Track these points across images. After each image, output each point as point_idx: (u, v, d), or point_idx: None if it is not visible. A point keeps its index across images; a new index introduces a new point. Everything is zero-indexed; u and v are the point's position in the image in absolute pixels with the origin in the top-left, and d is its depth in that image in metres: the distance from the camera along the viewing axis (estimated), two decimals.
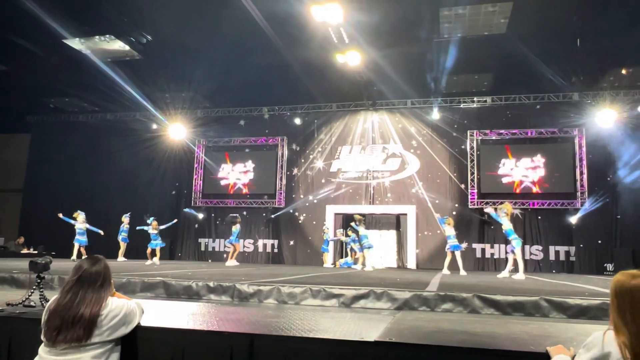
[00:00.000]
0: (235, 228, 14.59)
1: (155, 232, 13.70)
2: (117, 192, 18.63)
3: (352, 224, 14.03)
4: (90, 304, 2.66)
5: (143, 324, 2.94)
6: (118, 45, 13.72)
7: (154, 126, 18.45)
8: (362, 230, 13.48)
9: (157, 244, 13.60)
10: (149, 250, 13.69)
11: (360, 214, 14.47)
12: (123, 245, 14.34)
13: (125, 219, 14.50)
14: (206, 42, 13.27)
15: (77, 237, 13.59)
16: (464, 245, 16.05)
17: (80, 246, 13.51)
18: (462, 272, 11.67)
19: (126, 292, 5.32)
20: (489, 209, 11.84)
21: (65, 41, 13.47)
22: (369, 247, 13.71)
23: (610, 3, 11.16)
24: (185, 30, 12.84)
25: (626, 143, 14.96)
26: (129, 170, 18.66)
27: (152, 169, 18.56)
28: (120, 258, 14.08)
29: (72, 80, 15.83)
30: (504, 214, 10.60)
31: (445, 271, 11.74)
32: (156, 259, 13.21)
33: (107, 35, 13.28)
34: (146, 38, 13.63)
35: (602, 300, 4.85)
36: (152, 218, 13.82)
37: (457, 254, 11.99)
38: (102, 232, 14.10)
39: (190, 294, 5.79)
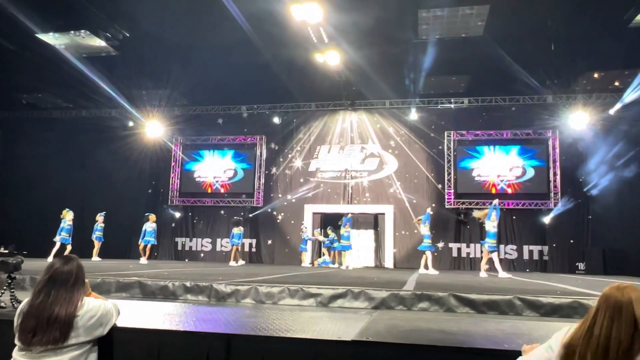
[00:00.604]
0: (239, 230, 15.10)
1: (152, 228, 14.25)
2: (92, 190, 18.28)
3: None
4: (64, 304, 2.60)
5: (119, 324, 2.90)
6: (94, 41, 13.44)
7: (131, 124, 18.16)
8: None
9: (150, 240, 14.22)
10: (141, 247, 14.15)
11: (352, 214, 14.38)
12: (97, 244, 14.10)
13: (100, 217, 14.27)
14: (184, 40, 13.14)
15: (63, 235, 13.03)
16: (441, 244, 16.31)
17: (66, 244, 13.00)
18: (433, 272, 11.65)
19: (101, 292, 5.23)
20: (496, 201, 11.42)
21: (38, 36, 13.14)
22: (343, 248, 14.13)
23: (583, 9, 11.42)
24: (163, 27, 12.68)
25: (598, 145, 15.34)
26: (105, 168, 18.32)
27: (128, 167, 18.26)
28: (95, 257, 13.83)
29: (46, 76, 15.50)
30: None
31: (422, 270, 11.83)
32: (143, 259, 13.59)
33: (83, 31, 13.00)
34: (123, 34, 13.41)
35: (574, 299, 4.96)
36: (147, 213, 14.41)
37: (428, 253, 12.10)
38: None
39: (166, 294, 5.73)
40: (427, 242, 12.09)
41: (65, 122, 19.06)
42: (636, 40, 12.07)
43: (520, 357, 2.32)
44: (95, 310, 2.70)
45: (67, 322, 2.57)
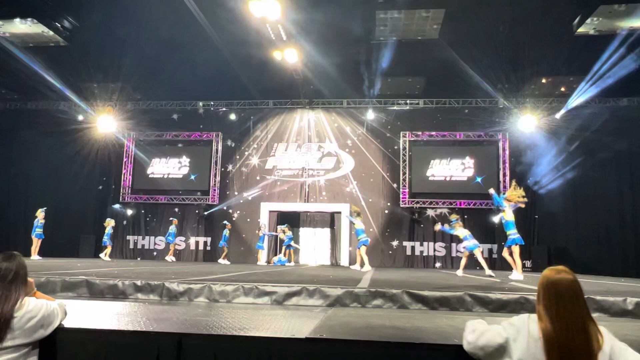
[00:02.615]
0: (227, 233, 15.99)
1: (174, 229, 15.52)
2: (38, 186, 17.53)
3: (347, 215, 13.75)
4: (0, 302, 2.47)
5: (65, 325, 2.78)
6: (41, 29, 12.87)
7: (80, 117, 17.44)
8: (358, 223, 12.18)
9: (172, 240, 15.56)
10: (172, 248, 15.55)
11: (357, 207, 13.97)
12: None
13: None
14: (138, 32, 12.74)
15: (38, 231, 13.49)
16: (395, 243, 16.57)
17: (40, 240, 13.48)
18: (488, 272, 10.23)
19: (45, 292, 4.98)
20: (492, 190, 10.17)
21: None
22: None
23: (532, 17, 11.87)
24: (115, 18, 12.26)
25: (544, 148, 16.00)
26: (51, 163, 17.55)
27: (77, 162, 17.53)
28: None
29: None
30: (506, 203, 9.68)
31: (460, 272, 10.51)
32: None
33: (29, 19, 12.42)
34: (72, 24, 12.89)
35: (521, 294, 5.14)
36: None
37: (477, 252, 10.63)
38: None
39: (115, 293, 5.54)
40: (470, 242, 10.74)
41: (8, 113, 18.08)
42: (581, 48, 12.66)
43: (468, 334, 2.38)
44: (36, 311, 2.57)
45: (3, 323, 2.43)
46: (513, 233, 9.36)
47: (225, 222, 16.67)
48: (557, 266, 2.23)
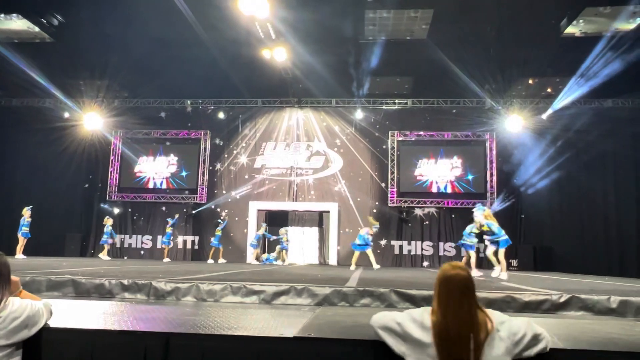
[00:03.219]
0: (219, 232, 15.83)
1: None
2: (23, 183, 17.32)
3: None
4: None
5: (51, 325, 2.75)
6: (26, 25, 12.66)
7: (66, 115, 17.20)
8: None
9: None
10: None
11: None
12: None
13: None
14: (125, 29, 12.57)
15: (24, 230, 13.41)
16: (383, 242, 16.61)
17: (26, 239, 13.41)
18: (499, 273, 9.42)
19: (30, 291, 4.93)
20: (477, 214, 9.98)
21: None
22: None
23: (519, 18, 11.97)
24: (102, 14, 12.12)
25: (531, 148, 16.16)
26: (37, 161, 17.36)
27: (64, 160, 17.33)
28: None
29: None
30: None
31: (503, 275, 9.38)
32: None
33: (14, 14, 12.21)
34: (59, 20, 12.71)
35: (507, 293, 5.20)
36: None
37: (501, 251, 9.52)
38: None
39: (102, 293, 5.50)
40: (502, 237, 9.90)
41: None
42: (567, 49, 12.79)
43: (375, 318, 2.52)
44: (21, 311, 2.54)
45: None
46: (504, 235, 9.47)
47: (219, 219, 16.56)
48: (454, 262, 2.37)
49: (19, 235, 13.38)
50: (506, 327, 2.23)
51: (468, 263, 11.01)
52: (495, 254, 9.53)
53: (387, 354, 2.39)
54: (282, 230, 16.33)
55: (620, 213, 14.77)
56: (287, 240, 16.14)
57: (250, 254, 16.14)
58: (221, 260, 15.55)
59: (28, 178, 17.37)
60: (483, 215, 9.83)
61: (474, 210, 10.45)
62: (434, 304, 2.30)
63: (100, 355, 2.70)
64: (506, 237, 9.45)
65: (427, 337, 2.21)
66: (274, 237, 16.42)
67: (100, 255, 15.22)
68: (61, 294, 5.49)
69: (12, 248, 13.14)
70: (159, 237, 17.56)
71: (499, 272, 9.31)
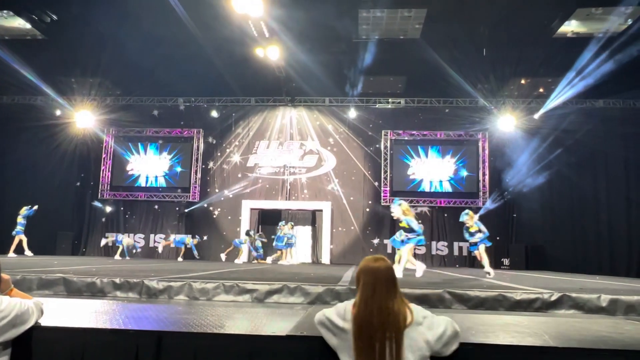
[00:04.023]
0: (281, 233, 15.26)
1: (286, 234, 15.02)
2: (14, 181, 17.18)
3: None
4: None
5: (42, 323, 2.73)
6: (18, 22, 12.57)
7: (57, 112, 17.08)
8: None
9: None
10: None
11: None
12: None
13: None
14: (117, 27, 12.51)
15: (18, 228, 13.59)
16: (376, 241, 16.65)
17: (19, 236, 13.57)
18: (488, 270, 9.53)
19: (21, 290, 4.90)
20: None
21: None
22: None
23: (512, 18, 12.02)
24: (94, 11, 12.02)
25: (523, 148, 16.25)
26: (28, 159, 17.21)
27: (55, 158, 17.21)
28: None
29: None
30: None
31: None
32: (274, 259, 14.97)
33: (5, 11, 12.12)
34: (51, 17, 12.60)
35: (499, 292, 5.23)
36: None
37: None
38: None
39: (93, 292, 5.47)
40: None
41: None
42: (559, 49, 12.89)
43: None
44: (9, 310, 2.51)
45: None
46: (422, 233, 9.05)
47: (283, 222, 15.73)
48: (375, 255, 2.47)
49: (13, 233, 13.48)
50: (428, 322, 2.30)
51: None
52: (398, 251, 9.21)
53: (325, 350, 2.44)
54: (287, 224, 15.67)
55: (610, 212, 14.93)
56: (288, 236, 15.59)
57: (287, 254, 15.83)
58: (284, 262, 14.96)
59: (19, 176, 17.22)
60: (402, 211, 9.16)
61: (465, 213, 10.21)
62: (356, 294, 2.35)
63: (91, 354, 2.68)
64: (422, 237, 9.01)
65: (348, 327, 2.28)
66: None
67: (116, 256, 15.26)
68: (52, 292, 5.46)
69: (3, 247, 13.08)
70: (152, 235, 17.49)
71: (401, 270, 9.05)
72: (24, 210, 13.72)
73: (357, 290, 2.36)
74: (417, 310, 2.32)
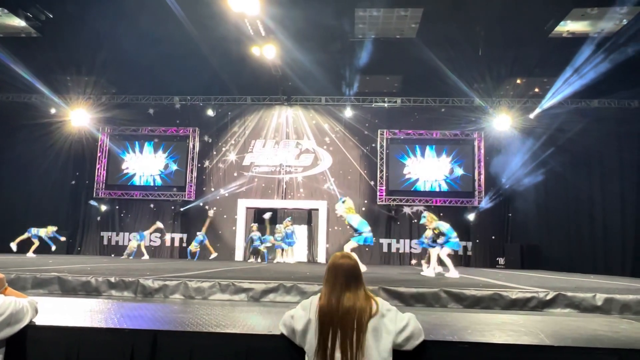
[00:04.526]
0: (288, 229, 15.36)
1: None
2: (7, 179, 17.09)
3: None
4: None
5: (36, 322, 2.72)
6: (12, 20, 12.49)
7: (52, 111, 17.00)
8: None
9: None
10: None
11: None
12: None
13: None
14: (113, 25, 12.45)
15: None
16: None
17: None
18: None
19: (15, 289, 4.87)
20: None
21: None
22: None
23: (508, 18, 12.04)
24: (89, 10, 11.97)
25: (518, 147, 16.31)
26: (22, 158, 17.12)
27: (50, 157, 17.13)
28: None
29: None
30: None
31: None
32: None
33: (0, 9, 12.03)
34: (45, 15, 12.53)
35: (494, 291, 5.24)
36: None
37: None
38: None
39: (88, 290, 5.45)
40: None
41: None
42: (554, 50, 12.92)
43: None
44: (4, 309, 2.50)
45: None
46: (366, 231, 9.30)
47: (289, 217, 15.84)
48: (342, 252, 2.60)
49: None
50: (392, 315, 2.39)
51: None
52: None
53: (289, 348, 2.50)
54: (286, 221, 15.67)
55: (605, 212, 14.99)
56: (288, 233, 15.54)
57: (295, 252, 15.82)
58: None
59: (14, 175, 17.13)
60: (346, 209, 9.25)
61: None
62: (322, 288, 2.47)
63: (86, 353, 2.67)
64: (368, 235, 9.14)
65: (312, 320, 2.38)
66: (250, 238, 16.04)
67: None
68: (47, 291, 5.44)
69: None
70: (147, 234, 17.43)
71: (432, 270, 9.01)
72: (51, 231, 14.22)
73: (323, 284, 2.48)
74: (382, 304, 2.41)
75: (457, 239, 9.27)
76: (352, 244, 9.09)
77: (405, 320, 2.43)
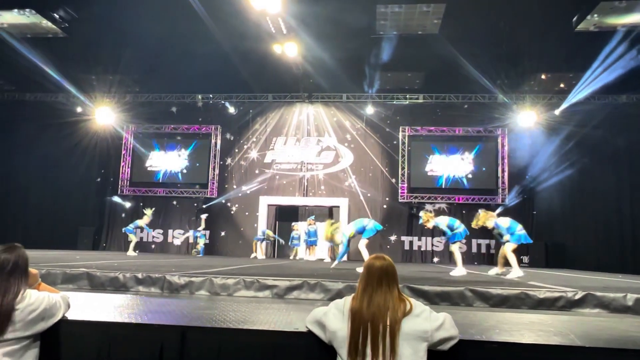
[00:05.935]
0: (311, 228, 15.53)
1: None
2: (37, 177, 17.51)
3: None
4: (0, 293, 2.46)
5: (69, 317, 2.78)
6: (39, 20, 12.74)
7: (79, 109, 17.36)
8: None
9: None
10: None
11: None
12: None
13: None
14: (137, 24, 12.59)
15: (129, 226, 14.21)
16: (394, 237, 16.56)
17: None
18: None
19: (46, 284, 5.00)
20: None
21: None
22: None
23: (533, 13, 11.83)
24: (114, 9, 12.15)
25: (543, 144, 16.02)
26: (50, 156, 17.50)
27: (77, 154, 17.47)
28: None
29: None
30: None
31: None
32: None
33: (28, 10, 12.30)
34: (72, 15, 12.77)
35: (521, 290, 5.17)
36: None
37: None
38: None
39: (116, 286, 5.55)
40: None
41: (5, 105, 17.98)
42: (580, 44, 12.64)
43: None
44: (38, 303, 2.55)
45: (4, 315, 2.42)
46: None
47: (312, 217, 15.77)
48: (378, 254, 2.61)
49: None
50: (426, 314, 2.39)
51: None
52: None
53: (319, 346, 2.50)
54: (310, 219, 15.77)
55: (634, 209, 14.61)
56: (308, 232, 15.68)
57: (317, 250, 15.92)
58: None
59: (41, 172, 17.53)
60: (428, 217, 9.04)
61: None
62: (357, 290, 2.49)
63: (117, 348, 2.72)
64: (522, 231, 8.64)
65: (345, 319, 2.39)
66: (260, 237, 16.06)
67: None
68: (76, 286, 5.55)
69: (26, 241, 13.28)
70: (170, 231, 17.70)
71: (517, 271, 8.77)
72: (147, 219, 14.17)
73: (357, 283, 2.51)
74: (416, 304, 2.42)
75: (522, 231, 8.66)
76: (511, 245, 8.30)
77: (440, 320, 2.41)
